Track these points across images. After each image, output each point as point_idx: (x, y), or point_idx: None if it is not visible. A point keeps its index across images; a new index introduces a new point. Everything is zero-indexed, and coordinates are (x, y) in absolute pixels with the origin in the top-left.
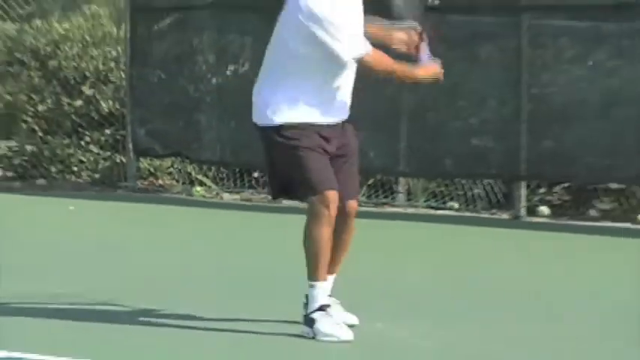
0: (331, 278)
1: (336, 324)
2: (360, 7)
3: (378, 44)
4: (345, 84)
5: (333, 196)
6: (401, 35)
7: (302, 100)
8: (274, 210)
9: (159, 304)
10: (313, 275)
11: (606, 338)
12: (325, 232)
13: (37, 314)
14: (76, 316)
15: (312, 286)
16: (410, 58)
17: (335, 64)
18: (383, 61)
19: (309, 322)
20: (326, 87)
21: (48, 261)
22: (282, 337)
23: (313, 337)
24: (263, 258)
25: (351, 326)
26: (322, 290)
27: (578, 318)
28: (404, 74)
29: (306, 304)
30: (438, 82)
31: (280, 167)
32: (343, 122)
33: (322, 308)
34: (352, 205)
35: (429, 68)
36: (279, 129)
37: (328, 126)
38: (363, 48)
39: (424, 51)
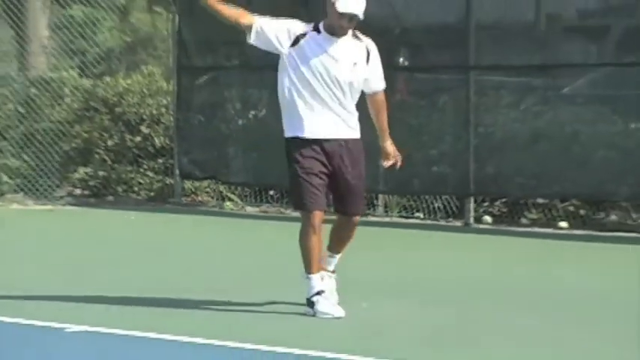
0: (337, 256)
1: (331, 304)
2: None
3: None
4: (332, 102)
5: (319, 215)
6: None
7: (297, 117)
8: (284, 219)
9: (204, 288)
10: (308, 270)
11: (543, 311)
12: (312, 240)
13: (119, 298)
14: (145, 298)
15: (308, 278)
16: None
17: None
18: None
19: (311, 304)
20: (311, 104)
21: (117, 255)
22: (292, 315)
23: (314, 315)
24: (274, 255)
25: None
26: (316, 280)
27: (513, 297)
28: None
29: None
30: None
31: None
32: (349, 146)
33: (319, 293)
34: (355, 219)
35: None
36: (287, 141)
37: (327, 141)
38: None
39: None
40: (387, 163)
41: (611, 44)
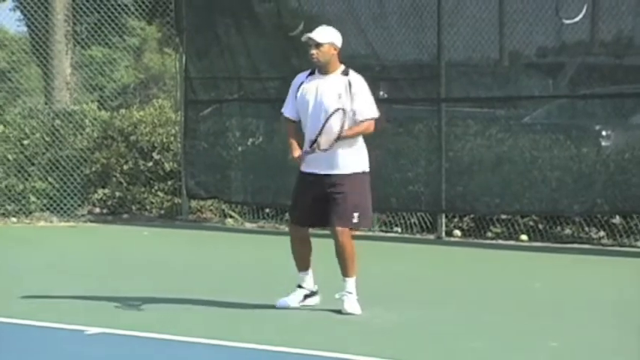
0: (347, 279)
1: (290, 296)
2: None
3: None
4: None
5: (297, 229)
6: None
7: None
8: (278, 234)
9: (209, 295)
10: (297, 268)
11: (504, 312)
12: (293, 247)
13: (134, 303)
14: (157, 303)
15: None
16: None
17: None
18: (288, 129)
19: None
20: (307, 140)
21: (132, 265)
22: (282, 317)
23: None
24: (270, 265)
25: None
26: (301, 276)
27: (479, 300)
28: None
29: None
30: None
31: None
32: (339, 181)
33: (298, 286)
34: (336, 229)
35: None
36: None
37: (321, 175)
38: (285, 111)
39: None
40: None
41: (565, 79)
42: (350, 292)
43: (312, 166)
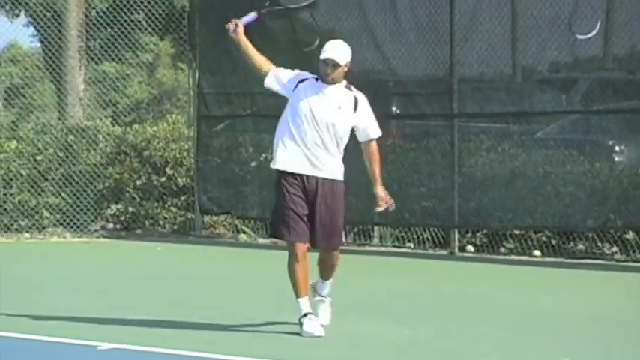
0: (328, 282)
1: (313, 325)
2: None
3: None
4: (316, 141)
5: (301, 247)
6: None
7: (283, 151)
8: None
9: (222, 310)
10: (296, 294)
11: (515, 328)
12: (297, 269)
13: (146, 319)
14: (169, 319)
15: (297, 302)
16: None
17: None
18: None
19: (300, 324)
20: (297, 141)
21: (145, 281)
22: (291, 335)
23: (301, 334)
24: (282, 281)
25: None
26: (303, 303)
27: (492, 316)
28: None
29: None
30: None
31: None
32: (325, 187)
33: (305, 315)
34: (333, 252)
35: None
36: (277, 172)
37: (305, 177)
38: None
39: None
40: (379, 208)
41: (578, 94)
42: (329, 296)
43: (301, 165)
